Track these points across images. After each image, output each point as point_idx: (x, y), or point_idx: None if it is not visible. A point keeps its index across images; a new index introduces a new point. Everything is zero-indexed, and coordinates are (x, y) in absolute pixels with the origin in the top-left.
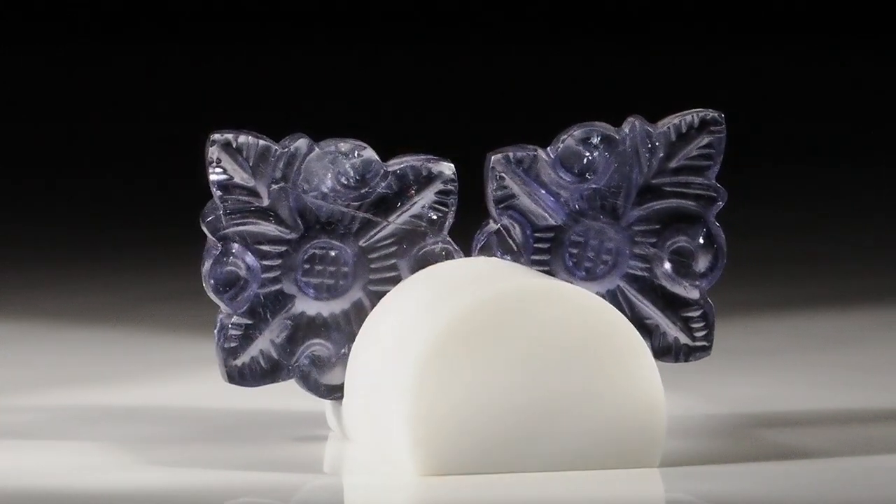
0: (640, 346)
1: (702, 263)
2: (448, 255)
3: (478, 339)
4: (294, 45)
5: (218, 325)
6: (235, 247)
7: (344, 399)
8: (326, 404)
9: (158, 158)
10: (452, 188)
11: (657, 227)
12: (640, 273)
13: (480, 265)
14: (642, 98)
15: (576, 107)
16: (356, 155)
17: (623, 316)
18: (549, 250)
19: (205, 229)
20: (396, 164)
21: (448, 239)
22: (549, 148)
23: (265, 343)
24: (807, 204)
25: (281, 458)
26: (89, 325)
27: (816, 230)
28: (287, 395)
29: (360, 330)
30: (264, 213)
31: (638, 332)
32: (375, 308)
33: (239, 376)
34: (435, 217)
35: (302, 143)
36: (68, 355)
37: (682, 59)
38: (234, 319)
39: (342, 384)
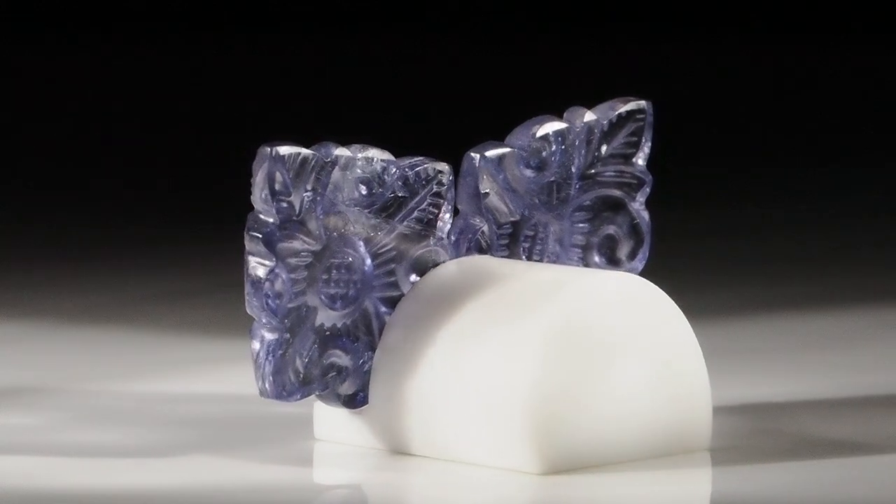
0: (689, 333)
1: (625, 250)
2: (444, 256)
3: (581, 337)
4: (287, 46)
5: (262, 341)
6: (279, 261)
7: (394, 411)
8: (319, 415)
9: (158, 158)
10: (446, 189)
11: (590, 216)
12: (576, 263)
13: (527, 265)
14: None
15: (565, 104)
16: (376, 160)
17: (671, 300)
18: (507, 246)
19: (260, 244)
20: (402, 166)
21: (445, 241)
22: (511, 144)
23: (297, 357)
24: (806, 204)
25: (281, 459)
26: (89, 326)
27: (816, 230)
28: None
29: (397, 341)
30: (299, 226)
31: (685, 318)
32: (410, 318)
33: (276, 393)
34: (431, 218)
35: (335, 151)
36: (68, 355)
37: (681, 57)
38: (276, 336)
39: (356, 393)
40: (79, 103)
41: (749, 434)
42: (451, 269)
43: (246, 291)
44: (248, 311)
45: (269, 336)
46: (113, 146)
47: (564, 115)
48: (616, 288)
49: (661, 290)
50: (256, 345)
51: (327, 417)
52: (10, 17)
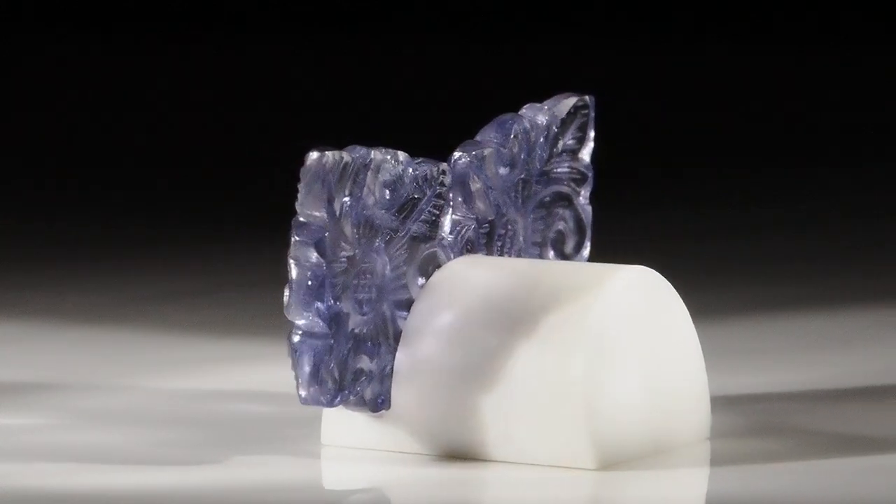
0: (690, 324)
1: (570, 244)
2: (444, 258)
3: (616, 334)
4: (280, 45)
5: (301, 348)
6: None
7: (426, 414)
8: (329, 420)
9: (158, 158)
10: (446, 189)
11: (545, 213)
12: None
13: (534, 262)
14: (640, 94)
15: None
16: (398, 162)
17: (674, 292)
18: (485, 245)
19: (308, 249)
20: (413, 166)
21: (447, 240)
22: (490, 144)
23: (332, 363)
24: (806, 204)
25: (288, 460)
26: (89, 326)
27: (816, 230)
28: (282, 400)
29: (424, 345)
30: (339, 231)
31: (686, 310)
32: (434, 321)
33: (317, 399)
34: (434, 219)
35: (371, 154)
36: (68, 355)
37: (680, 57)
38: (321, 342)
39: (376, 397)
40: (78, 103)
41: (749, 434)
42: (459, 269)
43: (289, 297)
44: (291, 316)
45: (311, 342)
46: (113, 146)
47: (522, 111)
48: (639, 284)
49: (667, 281)
50: (296, 351)
51: (339, 421)
52: (10, 16)
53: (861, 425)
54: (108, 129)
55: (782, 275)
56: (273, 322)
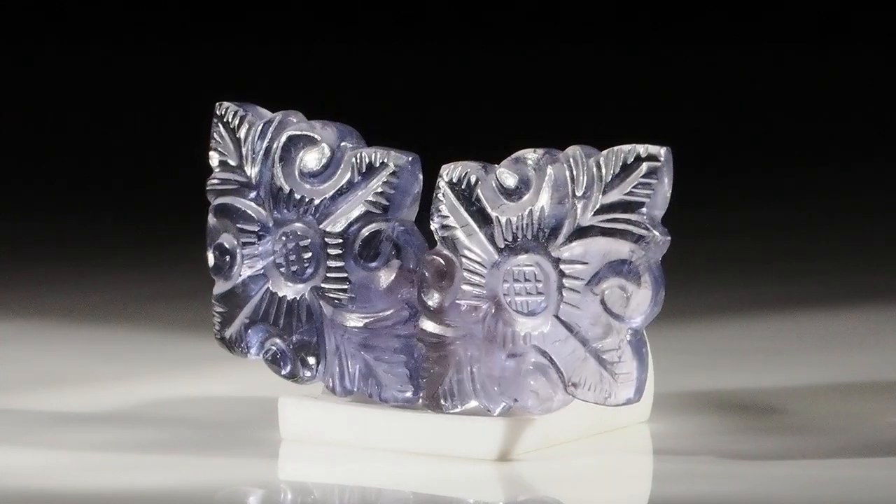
0: None
1: None
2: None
3: None
4: (282, 46)
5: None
6: None
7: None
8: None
9: (159, 158)
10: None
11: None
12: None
13: None
14: (640, 96)
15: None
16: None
17: None
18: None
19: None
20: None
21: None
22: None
23: None
24: (807, 204)
25: (292, 460)
26: (89, 325)
27: (816, 230)
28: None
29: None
30: None
31: None
32: None
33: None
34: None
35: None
36: (68, 355)
37: (678, 57)
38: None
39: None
40: (78, 103)
41: (748, 433)
42: None
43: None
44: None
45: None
46: (113, 146)
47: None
48: None
49: None
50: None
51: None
52: (11, 16)
53: (860, 426)
54: (109, 129)
55: (782, 275)
56: None
